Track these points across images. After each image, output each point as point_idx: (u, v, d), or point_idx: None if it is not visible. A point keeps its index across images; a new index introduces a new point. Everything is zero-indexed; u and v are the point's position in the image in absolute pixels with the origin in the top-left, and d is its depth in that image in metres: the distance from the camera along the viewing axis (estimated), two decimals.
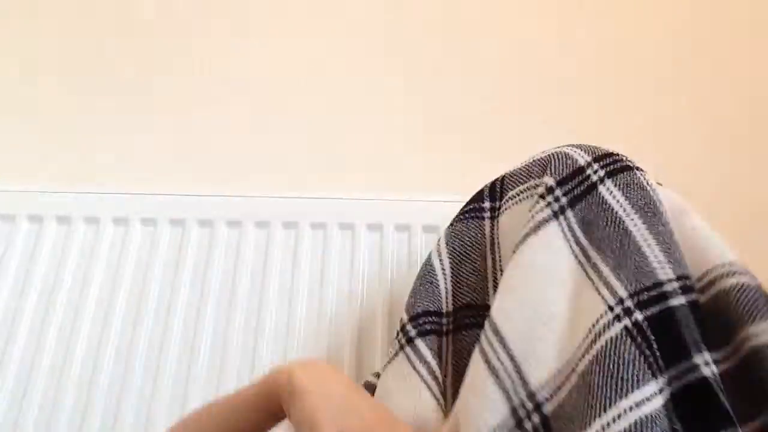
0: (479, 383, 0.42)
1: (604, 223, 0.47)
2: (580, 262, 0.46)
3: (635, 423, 0.37)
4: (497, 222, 0.54)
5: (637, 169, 0.49)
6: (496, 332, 0.43)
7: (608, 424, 0.37)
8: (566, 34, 0.86)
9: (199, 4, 0.88)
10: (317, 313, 0.68)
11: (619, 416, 0.37)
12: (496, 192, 0.56)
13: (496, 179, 0.57)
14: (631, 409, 0.37)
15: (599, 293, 0.44)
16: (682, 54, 0.86)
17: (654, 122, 0.83)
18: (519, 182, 0.53)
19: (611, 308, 0.42)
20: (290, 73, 0.84)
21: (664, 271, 0.43)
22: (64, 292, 0.69)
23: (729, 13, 0.88)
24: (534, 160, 0.53)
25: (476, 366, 0.43)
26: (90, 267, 0.70)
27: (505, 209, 0.54)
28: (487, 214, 0.55)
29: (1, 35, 0.87)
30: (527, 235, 0.47)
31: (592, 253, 0.46)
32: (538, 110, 0.82)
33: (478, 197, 0.57)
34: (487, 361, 0.42)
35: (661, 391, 0.38)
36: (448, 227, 0.57)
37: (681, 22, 0.88)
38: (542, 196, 0.48)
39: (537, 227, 0.47)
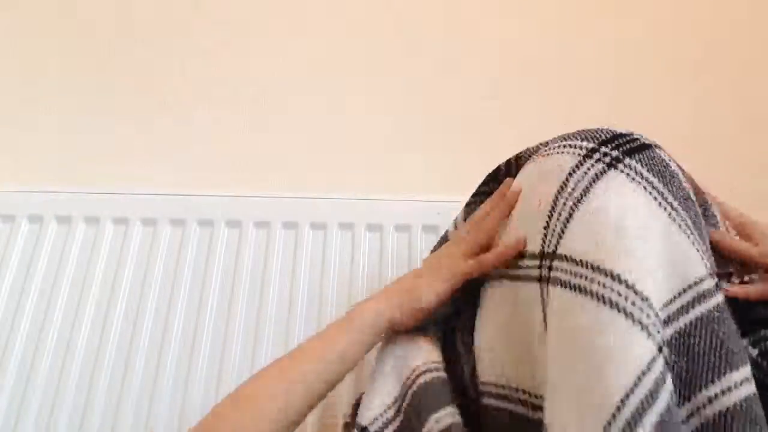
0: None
1: (679, 184, 0.43)
2: (665, 209, 0.41)
3: (746, 399, 0.35)
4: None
5: None
6: (621, 281, 0.37)
7: (716, 396, 0.35)
8: (566, 35, 0.86)
9: (199, 5, 0.88)
10: (317, 312, 0.68)
11: (729, 389, 0.35)
12: (510, 166, 0.56)
13: (511, 157, 0.56)
14: (741, 383, 0.36)
15: (698, 251, 0.40)
16: (683, 54, 0.86)
17: (654, 123, 0.83)
18: (532, 152, 0.53)
19: (711, 275, 0.40)
20: (290, 73, 0.84)
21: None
22: (64, 292, 0.69)
23: (729, 13, 0.88)
24: (554, 137, 0.51)
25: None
26: (90, 267, 0.70)
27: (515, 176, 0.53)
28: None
29: (2, 36, 0.87)
30: (586, 190, 0.42)
31: (678, 207, 0.42)
32: (538, 110, 0.82)
33: (494, 176, 0.57)
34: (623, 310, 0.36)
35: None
36: (464, 207, 0.57)
37: (681, 23, 0.88)
38: (586, 157, 0.44)
39: (593, 181, 0.42)
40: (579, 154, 0.45)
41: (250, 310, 0.68)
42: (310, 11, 0.88)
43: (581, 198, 0.42)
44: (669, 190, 0.42)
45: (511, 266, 0.47)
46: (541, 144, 0.53)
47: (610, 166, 0.43)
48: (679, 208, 0.42)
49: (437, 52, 0.85)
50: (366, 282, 0.69)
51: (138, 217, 0.72)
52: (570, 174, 0.44)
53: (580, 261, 0.39)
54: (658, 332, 0.35)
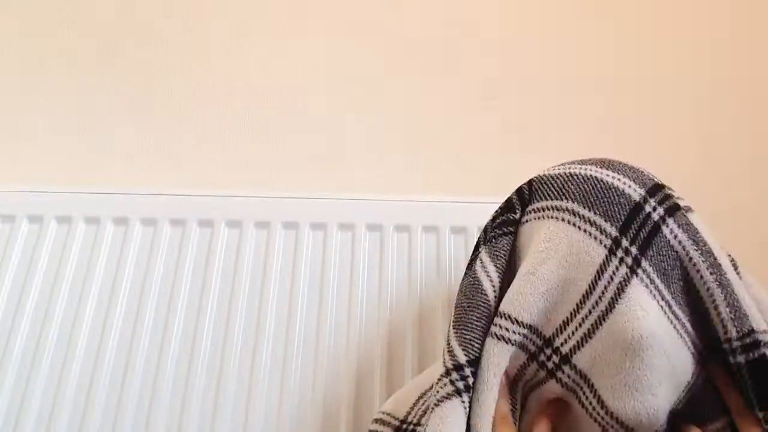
0: None
1: (679, 276, 0.45)
2: (671, 320, 0.44)
3: None
4: (519, 233, 0.52)
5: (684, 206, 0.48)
6: (616, 418, 0.43)
7: None
8: (567, 35, 0.86)
9: (199, 4, 0.88)
10: (317, 312, 0.68)
11: None
12: (524, 199, 0.52)
13: (524, 185, 0.53)
14: None
15: (690, 351, 0.45)
16: (684, 54, 0.86)
17: (653, 123, 0.83)
18: (549, 196, 0.50)
19: (702, 354, 0.45)
20: (290, 73, 0.84)
21: (757, 321, 0.44)
22: (64, 292, 0.69)
23: (729, 13, 0.88)
24: (572, 175, 0.49)
25: None
26: (90, 267, 0.70)
27: (527, 220, 0.51)
28: (515, 227, 0.52)
29: (2, 35, 0.87)
30: (614, 300, 0.44)
31: (677, 311, 0.45)
32: (538, 110, 0.82)
33: (509, 207, 0.53)
34: None
35: None
36: (488, 244, 0.52)
37: (680, 23, 0.88)
38: (612, 251, 0.45)
39: (621, 288, 0.44)
40: (605, 246, 0.46)
41: (250, 310, 0.68)
42: (310, 11, 0.88)
43: (606, 313, 0.44)
44: (672, 295, 0.45)
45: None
46: (553, 182, 0.50)
47: (632, 272, 0.45)
48: (680, 313, 0.45)
49: (437, 52, 0.85)
50: (366, 282, 0.69)
51: (138, 217, 0.72)
52: (599, 274, 0.45)
53: (593, 388, 0.44)
54: None
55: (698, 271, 0.45)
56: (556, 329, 0.47)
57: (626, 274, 0.44)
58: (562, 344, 0.46)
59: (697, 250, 0.45)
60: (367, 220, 0.71)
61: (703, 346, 0.45)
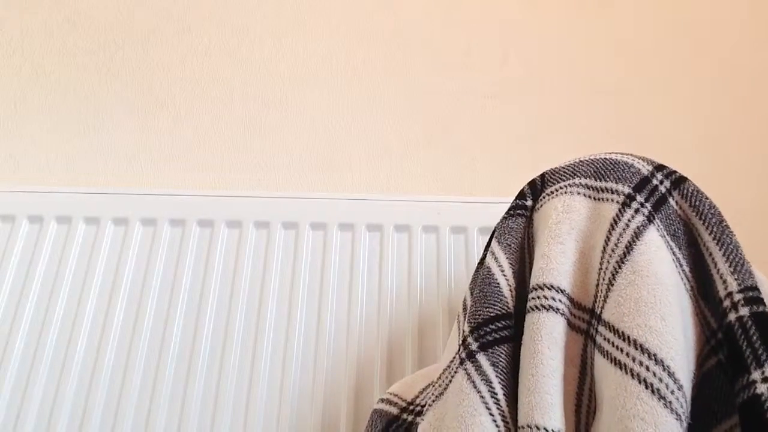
0: (643, 410, 0.37)
1: (687, 242, 0.45)
2: (681, 277, 0.43)
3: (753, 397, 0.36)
4: (533, 219, 0.52)
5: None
6: (645, 350, 0.38)
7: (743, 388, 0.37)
8: (567, 35, 0.86)
9: (199, 4, 0.88)
10: (317, 312, 0.68)
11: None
12: (537, 189, 0.53)
13: (536, 177, 0.54)
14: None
15: (704, 316, 0.43)
16: (682, 53, 0.86)
17: (654, 123, 0.83)
18: (561, 179, 0.51)
19: (714, 333, 0.42)
20: (290, 72, 0.84)
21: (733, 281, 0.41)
22: (64, 292, 0.69)
23: (730, 12, 0.88)
24: (582, 161, 0.51)
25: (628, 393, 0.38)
26: (90, 267, 0.70)
27: (541, 205, 0.51)
28: (530, 213, 0.52)
29: (2, 35, 0.87)
30: (631, 243, 0.42)
31: (687, 271, 0.44)
32: (537, 110, 0.82)
33: (521, 195, 0.54)
34: (649, 385, 0.37)
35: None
36: (497, 226, 0.53)
37: (681, 23, 0.88)
38: (625, 204, 0.45)
39: (638, 233, 0.43)
40: (618, 202, 0.46)
41: (250, 310, 0.68)
42: (310, 11, 0.88)
43: (625, 256, 0.43)
44: (683, 257, 0.44)
45: (537, 297, 0.45)
46: (564, 169, 0.52)
47: (649, 221, 0.44)
48: (689, 275, 0.44)
49: (437, 52, 0.85)
50: (366, 282, 0.69)
51: (138, 217, 0.72)
52: (612, 225, 0.45)
53: (630, 339, 0.40)
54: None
55: (700, 235, 0.44)
56: (594, 296, 0.44)
57: (643, 221, 0.44)
58: (601, 310, 0.43)
59: (697, 215, 0.45)
60: (367, 220, 0.71)
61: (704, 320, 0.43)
